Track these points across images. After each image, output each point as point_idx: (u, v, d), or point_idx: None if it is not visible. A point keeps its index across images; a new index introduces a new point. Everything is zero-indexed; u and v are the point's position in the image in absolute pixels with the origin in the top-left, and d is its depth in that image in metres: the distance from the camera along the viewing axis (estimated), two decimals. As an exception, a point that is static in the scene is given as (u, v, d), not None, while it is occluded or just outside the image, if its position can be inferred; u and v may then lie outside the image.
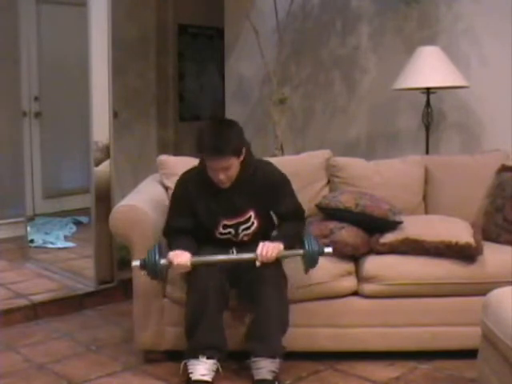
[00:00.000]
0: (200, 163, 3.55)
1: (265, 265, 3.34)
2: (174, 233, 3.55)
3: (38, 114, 6.98)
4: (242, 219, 3.52)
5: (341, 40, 6.03)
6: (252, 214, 3.52)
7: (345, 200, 3.91)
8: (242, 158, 3.40)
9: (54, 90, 7.03)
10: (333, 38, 6.09)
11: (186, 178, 3.60)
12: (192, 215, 3.54)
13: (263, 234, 3.56)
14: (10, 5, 5.96)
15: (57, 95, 7.02)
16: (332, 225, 3.82)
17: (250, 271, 3.40)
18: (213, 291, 3.37)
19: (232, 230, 3.54)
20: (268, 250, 3.34)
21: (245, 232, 3.55)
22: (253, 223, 3.54)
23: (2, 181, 6.69)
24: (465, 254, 3.65)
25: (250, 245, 3.47)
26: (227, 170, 3.35)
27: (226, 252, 3.46)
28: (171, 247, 3.46)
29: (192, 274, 3.41)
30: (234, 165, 3.37)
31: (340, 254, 3.73)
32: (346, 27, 5.99)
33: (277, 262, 3.40)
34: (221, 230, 3.53)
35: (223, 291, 3.44)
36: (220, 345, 3.45)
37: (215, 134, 3.34)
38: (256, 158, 3.61)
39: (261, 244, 3.37)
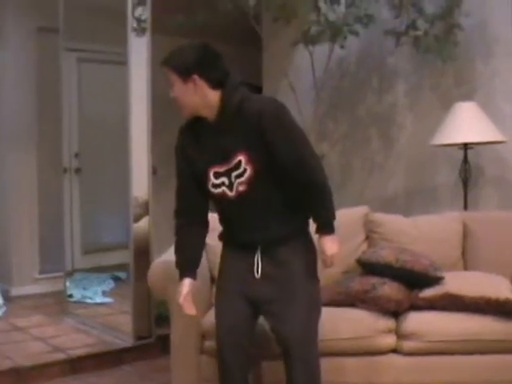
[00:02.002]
0: None
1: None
2: (181, 217, 3.28)
3: (77, 170, 7.07)
4: (231, 165, 3.03)
5: (377, 97, 6.07)
6: (242, 158, 3.01)
7: (385, 255, 3.90)
8: (191, 84, 2.98)
9: (94, 147, 7.13)
10: (369, 95, 6.13)
11: (180, 133, 3.26)
12: (190, 172, 3.19)
13: (264, 184, 3.07)
14: (54, 65, 6.10)
15: (96, 151, 7.13)
16: (374, 280, 3.80)
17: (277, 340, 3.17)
18: (236, 365, 3.19)
19: (225, 180, 3.06)
20: (333, 248, 3.12)
21: (238, 180, 3.04)
22: (245, 169, 3.03)
23: (42, 236, 6.79)
24: (505, 310, 3.60)
25: (253, 199, 3.08)
26: (173, 88, 3.02)
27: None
28: (174, 246, 3.28)
29: (216, 345, 3.28)
30: (177, 84, 3.01)
31: (382, 309, 3.70)
32: (382, 84, 6.03)
33: (308, 328, 3.14)
34: (213, 180, 3.09)
35: (245, 361, 3.24)
36: None
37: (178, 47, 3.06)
38: (250, 92, 3.11)
39: (324, 256, 3.13)
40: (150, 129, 4.96)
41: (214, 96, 3.02)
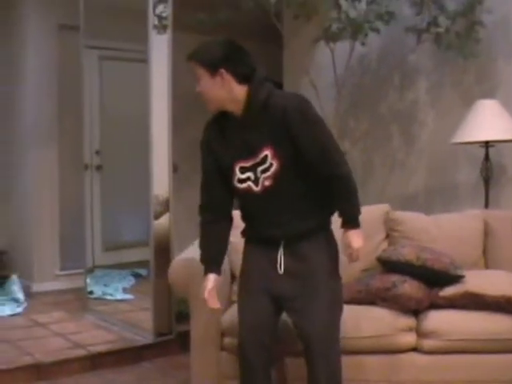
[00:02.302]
0: None
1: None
2: (206, 213, 3.29)
3: (99, 167, 7.10)
4: (257, 159, 3.06)
5: (399, 94, 6.06)
6: (268, 153, 3.04)
7: (406, 253, 3.89)
8: (219, 78, 3.02)
9: (115, 144, 7.16)
10: (391, 92, 6.12)
11: (206, 130, 3.26)
12: (217, 167, 3.20)
13: (285, 181, 3.09)
14: (75, 62, 6.13)
15: (117, 149, 7.15)
16: (394, 278, 3.79)
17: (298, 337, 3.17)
18: (259, 363, 3.19)
19: (251, 175, 3.10)
20: (359, 242, 3.14)
21: (264, 175, 3.07)
22: (271, 164, 3.05)
23: (63, 232, 6.83)
24: (527, 309, 3.59)
25: (278, 194, 3.10)
26: (200, 83, 3.05)
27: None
28: (200, 239, 3.31)
29: (238, 343, 3.27)
30: (204, 78, 3.03)
31: (403, 308, 3.69)
32: (403, 81, 6.01)
33: (331, 323, 3.15)
34: (238, 175, 3.12)
35: (268, 358, 3.24)
36: None
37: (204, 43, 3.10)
38: (275, 88, 3.14)
39: (349, 250, 3.14)
40: (170, 126, 4.97)
41: (240, 91, 3.05)
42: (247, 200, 3.20)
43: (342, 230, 3.16)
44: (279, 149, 3.03)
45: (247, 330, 3.20)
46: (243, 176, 3.12)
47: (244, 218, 3.31)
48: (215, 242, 3.28)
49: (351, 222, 3.16)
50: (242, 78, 3.04)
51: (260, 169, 3.07)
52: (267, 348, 3.21)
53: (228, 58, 3.03)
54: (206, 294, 3.17)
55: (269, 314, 3.21)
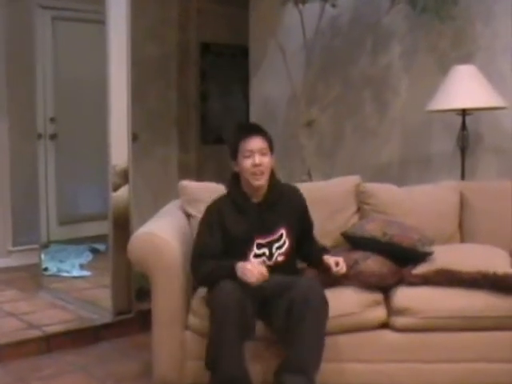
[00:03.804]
0: (229, 187, 3.82)
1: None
2: (207, 258, 3.59)
3: (53, 136, 7.04)
4: (275, 237, 3.69)
5: (371, 58, 6.04)
6: (283, 232, 3.70)
7: (371, 229, 3.91)
8: (272, 161, 3.68)
9: (71, 111, 7.09)
10: (363, 56, 6.10)
11: (217, 201, 3.75)
12: (224, 239, 3.65)
13: (291, 257, 3.77)
14: (26, 23, 6.04)
15: (73, 116, 7.08)
16: (357, 255, 3.82)
17: (289, 297, 3.38)
18: (232, 322, 3.30)
19: (266, 250, 3.67)
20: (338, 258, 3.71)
21: (279, 251, 3.69)
22: (285, 242, 3.71)
23: (15, 206, 6.76)
24: (503, 285, 3.63)
25: (283, 267, 3.68)
26: (263, 156, 3.60)
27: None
28: (210, 272, 3.54)
29: (212, 303, 3.42)
30: (268, 155, 3.64)
31: (366, 284, 3.72)
32: (376, 45, 6.00)
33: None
34: (255, 250, 3.66)
35: (246, 321, 3.36)
36: (244, 380, 3.42)
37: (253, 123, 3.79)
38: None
39: (335, 261, 3.68)
40: (129, 92, 4.91)
41: (271, 165, 3.70)
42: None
43: (323, 258, 3.72)
44: (291, 229, 3.73)
45: (229, 298, 3.34)
46: (259, 251, 3.67)
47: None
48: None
49: (325, 253, 3.80)
50: None
51: (276, 245, 3.69)
52: (250, 322, 3.42)
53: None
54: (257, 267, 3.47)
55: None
